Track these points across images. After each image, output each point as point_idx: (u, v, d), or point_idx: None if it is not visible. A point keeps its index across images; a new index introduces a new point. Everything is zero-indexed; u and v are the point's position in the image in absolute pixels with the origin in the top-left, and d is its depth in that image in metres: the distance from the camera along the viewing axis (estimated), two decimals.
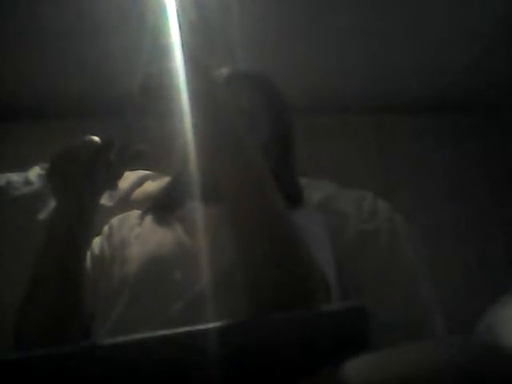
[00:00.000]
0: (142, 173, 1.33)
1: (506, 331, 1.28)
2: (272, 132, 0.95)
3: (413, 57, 1.80)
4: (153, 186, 1.25)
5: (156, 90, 0.70)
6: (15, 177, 1.33)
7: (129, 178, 1.32)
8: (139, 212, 0.97)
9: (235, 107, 0.88)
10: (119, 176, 0.83)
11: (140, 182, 1.31)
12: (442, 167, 1.96)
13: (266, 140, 0.93)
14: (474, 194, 1.90)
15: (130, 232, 0.90)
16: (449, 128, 2.01)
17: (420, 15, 1.65)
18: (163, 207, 0.95)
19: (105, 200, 1.24)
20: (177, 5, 1.10)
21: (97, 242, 0.93)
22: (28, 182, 1.30)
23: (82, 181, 0.78)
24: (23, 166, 1.33)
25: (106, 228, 0.95)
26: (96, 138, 0.78)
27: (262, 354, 0.52)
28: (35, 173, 1.32)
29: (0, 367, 0.52)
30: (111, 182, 0.83)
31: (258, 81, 0.99)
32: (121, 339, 0.55)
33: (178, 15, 0.98)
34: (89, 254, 0.90)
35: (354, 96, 1.93)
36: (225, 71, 0.97)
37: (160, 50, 0.78)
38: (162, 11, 1.08)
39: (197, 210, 0.84)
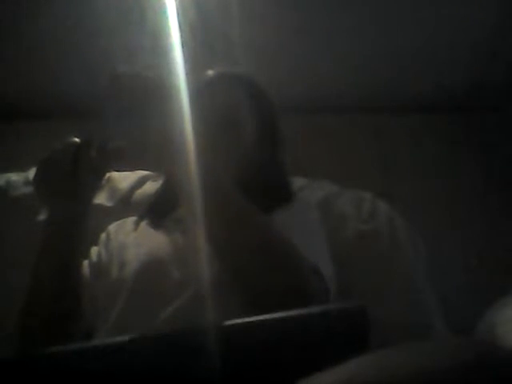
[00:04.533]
0: (142, 173, 1.33)
1: (506, 331, 1.28)
2: (259, 131, 0.95)
3: (413, 57, 1.80)
4: (153, 186, 1.25)
5: (135, 88, 0.71)
6: (15, 177, 1.33)
7: (129, 178, 1.32)
8: (136, 218, 0.97)
9: (220, 107, 0.89)
10: (102, 174, 0.84)
11: (140, 183, 1.31)
12: (442, 167, 1.96)
13: (254, 139, 0.94)
14: (473, 194, 1.90)
15: (127, 237, 0.91)
16: (449, 128, 2.01)
17: (420, 15, 1.65)
18: (158, 211, 0.95)
19: (105, 200, 1.25)
20: (177, 5, 1.10)
21: (94, 250, 0.94)
22: (28, 182, 1.30)
23: (67, 184, 0.78)
24: (23, 166, 1.33)
25: (103, 235, 0.96)
26: (75, 139, 0.79)
27: (262, 354, 0.52)
28: None
29: (0, 367, 0.52)
30: (95, 181, 0.84)
31: (244, 80, 0.99)
32: (119, 339, 0.55)
33: (177, 15, 0.98)
34: (87, 262, 0.91)
35: (354, 96, 1.93)
36: (210, 72, 0.98)
37: (160, 50, 0.78)
38: (162, 11, 1.08)
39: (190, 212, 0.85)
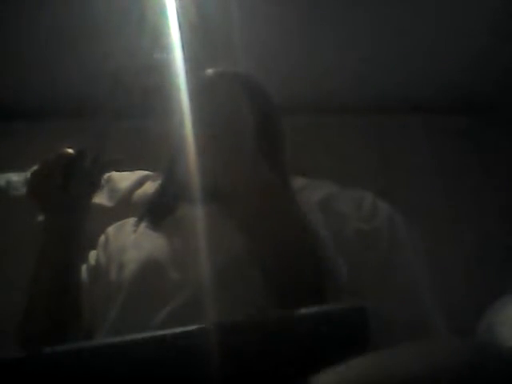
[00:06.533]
0: (142, 173, 1.33)
1: (506, 331, 1.28)
2: (259, 132, 0.95)
3: (413, 57, 1.80)
4: (153, 186, 1.25)
5: (142, 89, 0.71)
6: (15, 177, 1.33)
7: (129, 178, 1.32)
8: (135, 219, 0.97)
9: (220, 107, 0.90)
10: (97, 184, 0.84)
11: (140, 183, 1.30)
12: (442, 167, 1.96)
13: (253, 139, 0.94)
14: (473, 194, 1.90)
15: (127, 239, 0.91)
16: (449, 128, 2.01)
17: (419, 15, 1.65)
18: (157, 212, 0.95)
19: (105, 201, 1.24)
20: (177, 5, 1.10)
21: (93, 253, 0.94)
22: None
23: (60, 194, 0.78)
24: (23, 166, 1.33)
25: (101, 238, 0.96)
26: (69, 150, 0.79)
27: (262, 354, 0.52)
28: None
29: (0, 367, 0.52)
30: (90, 191, 0.84)
31: (244, 80, 0.99)
32: (118, 339, 0.55)
33: (177, 15, 0.98)
34: (85, 266, 0.91)
35: (354, 96, 1.93)
36: (210, 71, 0.97)
37: (160, 50, 0.78)
38: (161, 11, 1.08)
39: (190, 211, 0.85)
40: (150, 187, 1.25)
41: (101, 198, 1.23)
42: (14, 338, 0.81)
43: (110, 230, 0.97)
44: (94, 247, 0.96)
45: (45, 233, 0.82)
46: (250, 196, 0.71)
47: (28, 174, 1.32)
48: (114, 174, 1.33)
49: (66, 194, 0.79)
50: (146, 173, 1.32)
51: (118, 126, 0.74)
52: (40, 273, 0.81)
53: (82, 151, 0.78)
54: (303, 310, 0.56)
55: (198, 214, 0.82)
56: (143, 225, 0.94)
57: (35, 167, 0.81)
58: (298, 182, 1.08)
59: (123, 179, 1.31)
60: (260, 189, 0.72)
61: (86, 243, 0.91)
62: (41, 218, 1.08)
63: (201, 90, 0.92)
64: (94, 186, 0.84)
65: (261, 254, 0.72)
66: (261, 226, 0.71)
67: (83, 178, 0.80)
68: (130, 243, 0.89)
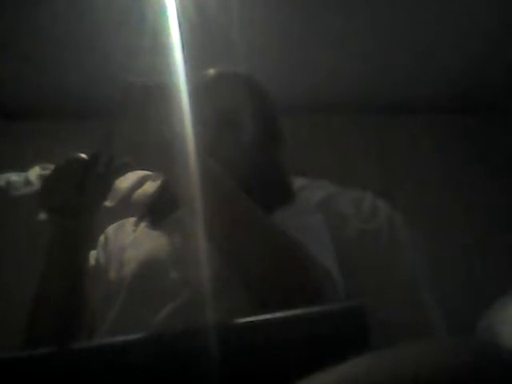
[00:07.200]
0: (142, 173, 1.33)
1: (506, 331, 1.28)
2: (258, 131, 0.95)
3: (413, 57, 1.80)
4: (153, 186, 1.25)
5: (143, 97, 0.71)
6: (15, 177, 1.33)
7: (129, 178, 1.32)
8: (134, 219, 0.97)
9: (220, 107, 0.90)
10: (109, 188, 0.84)
11: (140, 183, 1.31)
12: (442, 167, 1.96)
13: (253, 139, 0.94)
14: (473, 194, 1.90)
15: (126, 238, 0.91)
16: (449, 128, 2.01)
17: (419, 15, 1.65)
18: (157, 212, 0.95)
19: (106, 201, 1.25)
20: (177, 5, 1.10)
21: (93, 254, 0.94)
22: (28, 182, 1.30)
23: (73, 198, 0.79)
24: (23, 166, 1.33)
25: (101, 238, 0.96)
26: (82, 155, 0.79)
27: (262, 354, 0.52)
28: (35, 173, 1.32)
29: (0, 367, 0.52)
30: (102, 195, 0.84)
31: (244, 80, 0.99)
32: (119, 339, 0.55)
33: (177, 15, 0.98)
34: None
35: (354, 96, 1.93)
36: (211, 71, 0.98)
37: (160, 50, 0.78)
38: (161, 11, 1.08)
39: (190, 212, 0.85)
40: (149, 187, 1.25)
41: None
42: (20, 338, 0.81)
43: (110, 229, 0.97)
44: (93, 247, 0.96)
45: (52, 234, 0.82)
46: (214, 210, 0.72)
47: (28, 175, 1.32)
48: None
49: (80, 197, 0.79)
50: (146, 173, 1.32)
51: (120, 126, 0.74)
52: (47, 273, 0.81)
53: (96, 155, 0.78)
54: (303, 310, 0.56)
55: (198, 214, 0.82)
56: (143, 224, 0.94)
57: (47, 175, 0.81)
58: (298, 181, 1.08)
59: (123, 179, 1.31)
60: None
61: (92, 245, 0.91)
62: (41, 217, 1.08)
63: (201, 89, 0.92)
64: (107, 189, 0.84)
65: (241, 273, 0.72)
66: (228, 239, 0.72)
67: (97, 181, 0.80)
68: (129, 242, 0.89)
